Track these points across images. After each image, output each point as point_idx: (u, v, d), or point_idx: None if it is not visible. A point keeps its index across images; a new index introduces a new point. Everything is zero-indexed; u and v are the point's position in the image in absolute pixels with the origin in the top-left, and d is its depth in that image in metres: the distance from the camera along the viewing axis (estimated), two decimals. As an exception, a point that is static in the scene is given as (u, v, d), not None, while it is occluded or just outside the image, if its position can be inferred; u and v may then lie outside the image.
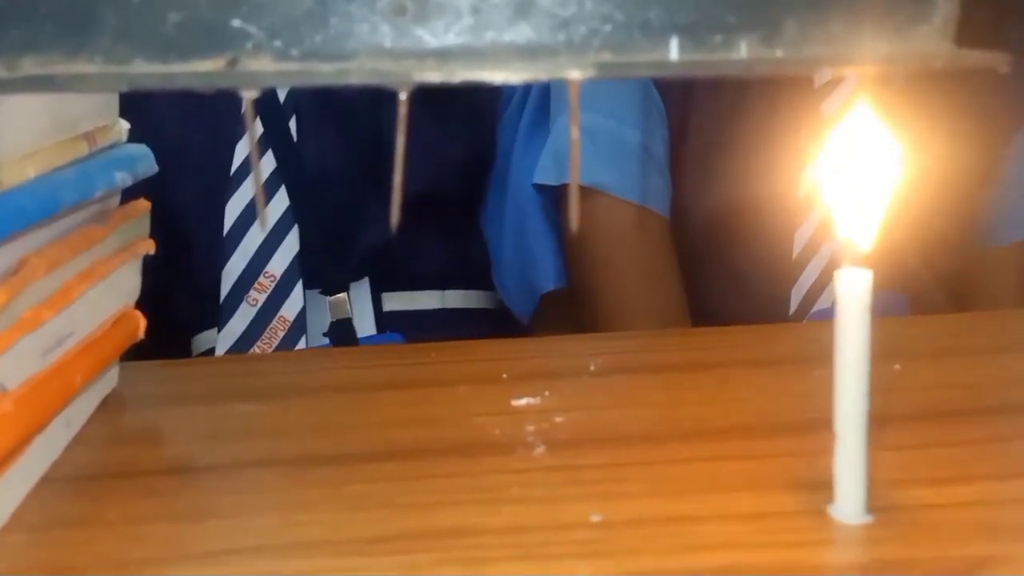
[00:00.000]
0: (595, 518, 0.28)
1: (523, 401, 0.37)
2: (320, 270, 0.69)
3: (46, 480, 0.31)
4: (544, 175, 0.69)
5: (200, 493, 0.31)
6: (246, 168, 0.68)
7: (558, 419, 0.35)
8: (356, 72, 0.24)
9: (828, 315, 0.71)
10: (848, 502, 0.27)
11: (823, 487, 0.28)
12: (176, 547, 0.27)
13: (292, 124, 0.69)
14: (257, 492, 0.31)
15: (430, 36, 0.24)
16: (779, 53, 0.24)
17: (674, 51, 0.24)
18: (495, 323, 0.74)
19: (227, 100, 0.69)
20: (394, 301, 0.72)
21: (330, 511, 0.29)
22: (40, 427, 0.30)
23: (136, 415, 0.37)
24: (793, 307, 0.67)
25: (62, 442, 0.33)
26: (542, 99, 0.72)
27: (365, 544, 0.27)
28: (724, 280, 0.70)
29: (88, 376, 0.33)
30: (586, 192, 0.66)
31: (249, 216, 0.68)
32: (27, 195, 0.28)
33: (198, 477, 0.32)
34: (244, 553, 0.27)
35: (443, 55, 0.24)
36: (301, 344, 0.66)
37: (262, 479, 0.31)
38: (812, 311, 0.67)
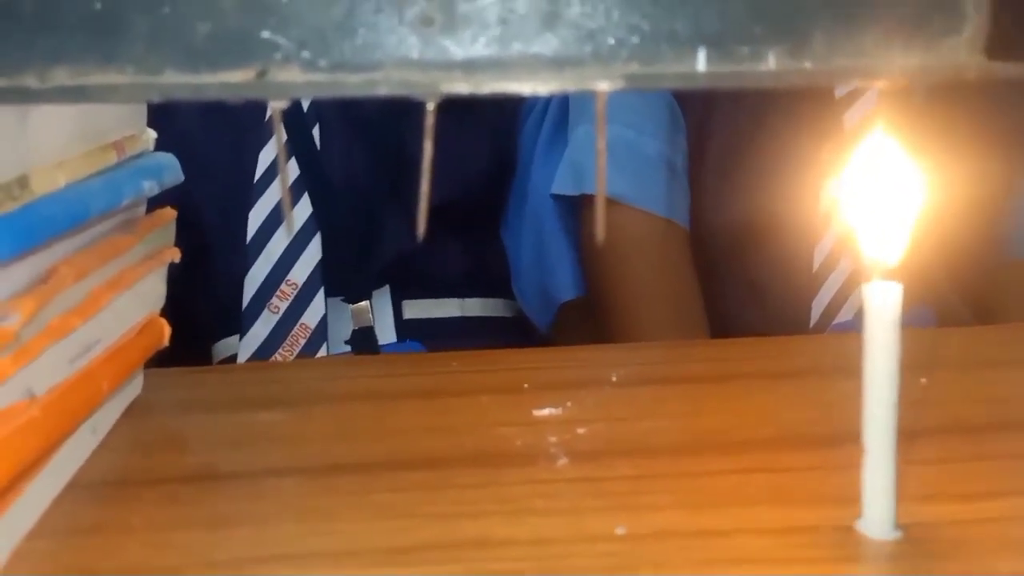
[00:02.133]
0: (620, 531, 0.28)
1: (545, 411, 0.36)
2: (342, 278, 0.69)
3: (72, 486, 0.32)
4: (562, 185, 0.69)
5: (223, 501, 0.31)
6: (269, 176, 0.69)
7: (580, 430, 0.35)
8: (384, 83, 0.24)
9: (847, 328, 0.70)
10: (876, 517, 0.26)
11: (850, 502, 0.27)
12: (199, 555, 0.27)
13: (316, 132, 0.69)
14: (280, 500, 0.31)
15: (457, 47, 0.24)
16: (807, 65, 0.24)
17: (701, 62, 0.24)
18: (514, 332, 0.74)
19: (250, 108, 0.70)
20: (414, 309, 0.72)
21: (353, 520, 0.29)
22: (67, 433, 0.31)
23: (160, 422, 0.37)
24: (813, 321, 0.67)
25: (88, 448, 0.34)
26: (562, 109, 0.72)
27: (388, 554, 0.27)
28: (743, 293, 0.70)
29: (114, 383, 0.33)
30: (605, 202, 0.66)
31: (272, 224, 0.69)
32: (57, 204, 0.29)
33: (221, 485, 0.32)
34: (267, 561, 0.27)
35: (470, 66, 0.24)
36: (322, 352, 0.67)
37: (285, 487, 0.32)
38: (832, 324, 0.66)
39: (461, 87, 0.24)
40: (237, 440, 0.35)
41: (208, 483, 0.32)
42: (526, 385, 0.39)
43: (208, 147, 0.69)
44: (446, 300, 0.73)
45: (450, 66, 0.24)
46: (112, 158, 0.34)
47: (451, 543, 0.27)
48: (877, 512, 0.26)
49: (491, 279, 0.75)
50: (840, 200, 0.26)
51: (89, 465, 0.33)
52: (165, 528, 0.29)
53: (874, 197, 0.25)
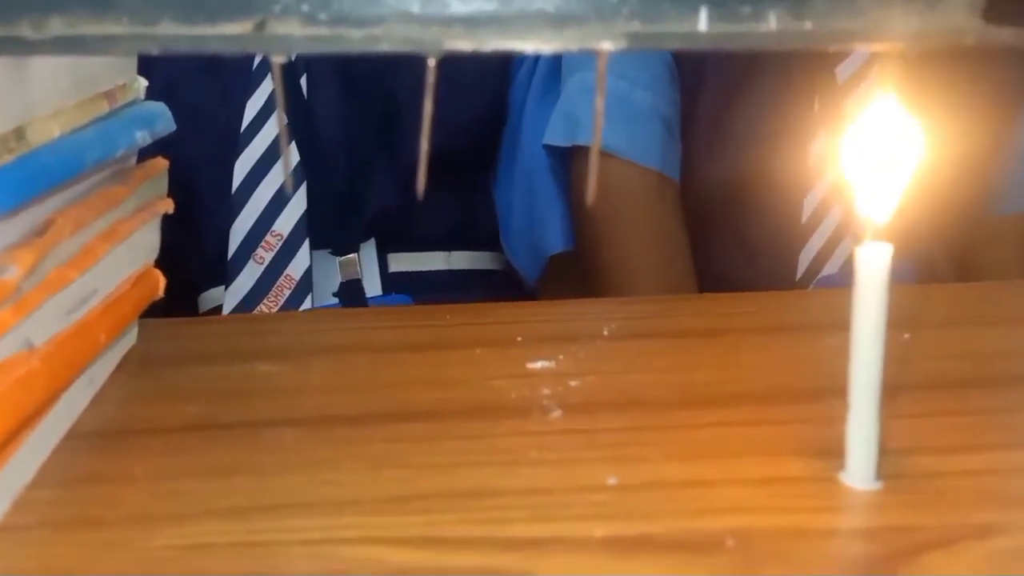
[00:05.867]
0: (612, 481, 0.28)
1: (538, 364, 0.37)
2: (329, 230, 0.69)
3: (71, 436, 0.32)
4: (554, 136, 0.69)
5: (223, 450, 0.31)
6: (255, 126, 0.68)
7: (573, 383, 0.35)
8: (385, 39, 0.24)
9: (833, 281, 0.71)
10: (859, 468, 0.27)
11: (834, 454, 0.28)
12: (201, 503, 0.28)
13: (303, 82, 0.68)
14: (279, 450, 0.31)
15: (459, 3, 0.24)
16: (808, 26, 0.24)
17: (703, 22, 0.24)
18: (500, 285, 0.75)
19: (236, 57, 0.68)
20: (400, 262, 0.72)
21: (351, 471, 0.30)
22: (66, 384, 0.31)
23: (157, 373, 0.38)
24: (799, 273, 0.68)
25: (85, 399, 0.34)
26: (555, 59, 0.71)
27: (385, 503, 0.28)
28: (731, 245, 0.71)
29: (112, 334, 0.33)
30: None
31: (257, 174, 0.68)
32: (53, 155, 0.29)
33: (221, 435, 0.32)
34: (268, 510, 0.28)
35: (472, 22, 0.24)
36: (307, 304, 0.67)
37: (283, 437, 0.32)
38: (818, 277, 0.67)
39: (463, 44, 0.24)
40: (235, 391, 0.36)
41: (208, 433, 0.32)
42: (519, 338, 0.40)
43: (193, 97, 0.68)
44: (432, 253, 0.73)
45: (451, 22, 0.24)
46: (104, 107, 0.34)
47: (447, 493, 0.28)
48: (860, 463, 0.27)
49: (478, 232, 0.75)
50: (835, 155, 0.27)
51: (87, 415, 0.33)
52: (166, 477, 0.29)
53: (873, 155, 0.26)
